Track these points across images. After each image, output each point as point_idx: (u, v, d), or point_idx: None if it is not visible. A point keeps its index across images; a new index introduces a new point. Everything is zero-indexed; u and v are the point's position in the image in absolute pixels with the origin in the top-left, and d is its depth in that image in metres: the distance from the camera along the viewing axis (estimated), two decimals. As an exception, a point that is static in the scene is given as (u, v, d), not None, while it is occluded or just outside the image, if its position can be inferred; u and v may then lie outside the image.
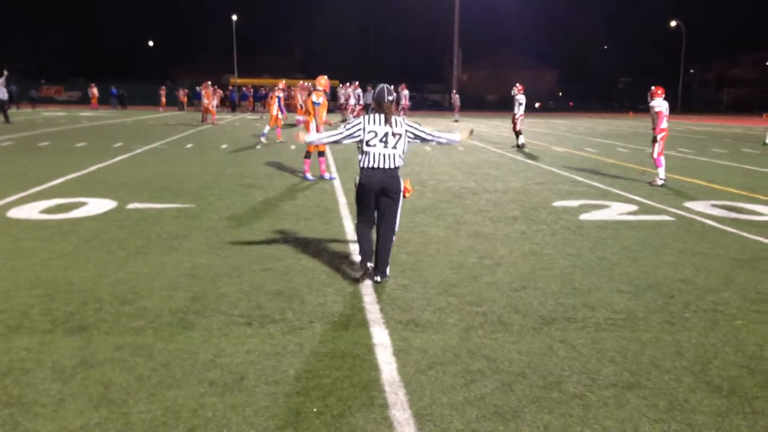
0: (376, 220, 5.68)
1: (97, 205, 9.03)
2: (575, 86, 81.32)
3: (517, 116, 20.02)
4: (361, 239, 5.70)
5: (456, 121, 38.82)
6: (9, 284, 5.52)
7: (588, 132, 30.74)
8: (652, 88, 12.30)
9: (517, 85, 20.54)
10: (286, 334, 4.54)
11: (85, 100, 56.47)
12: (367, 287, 5.58)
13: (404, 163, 5.68)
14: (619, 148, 20.79)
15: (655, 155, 12.18)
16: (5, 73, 27.83)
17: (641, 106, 76.90)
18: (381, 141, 5.46)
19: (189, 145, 19.14)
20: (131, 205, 9.10)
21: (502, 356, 4.21)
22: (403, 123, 5.58)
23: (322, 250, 6.82)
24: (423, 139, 5.71)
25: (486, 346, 4.37)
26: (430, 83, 78.98)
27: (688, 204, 10.03)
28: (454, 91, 48.11)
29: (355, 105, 34.38)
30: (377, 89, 5.62)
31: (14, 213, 8.43)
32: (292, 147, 18.97)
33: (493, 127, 32.67)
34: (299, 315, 4.91)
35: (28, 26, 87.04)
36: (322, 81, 12.22)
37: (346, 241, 7.24)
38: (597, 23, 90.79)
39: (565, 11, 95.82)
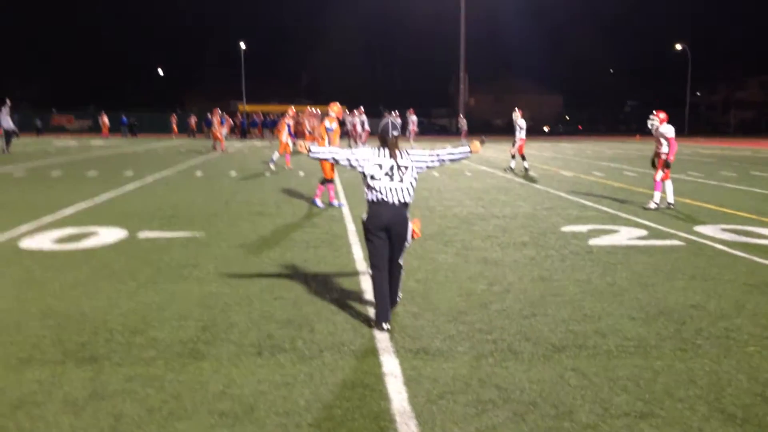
0: (387, 265, 5.39)
1: (108, 235, 9.08)
2: (582, 110, 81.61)
3: (517, 140, 20.18)
4: (377, 290, 5.31)
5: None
6: (21, 315, 5.54)
7: (595, 156, 30.76)
8: (658, 114, 12.36)
9: (517, 109, 20.86)
10: (297, 363, 4.54)
11: (95, 129, 57.04)
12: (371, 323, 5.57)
13: (413, 198, 5.49)
14: (627, 172, 20.78)
15: (659, 178, 12.18)
16: (8, 102, 28.24)
17: (647, 130, 76.91)
18: (386, 175, 5.28)
19: (198, 173, 19.27)
20: (142, 234, 9.15)
21: (513, 385, 4.20)
22: (408, 155, 5.42)
23: (332, 278, 6.83)
24: (433, 167, 5.59)
25: (497, 375, 4.36)
26: (437, 108, 79.42)
27: (698, 228, 10.00)
28: (461, 115, 48.31)
29: (361, 131, 34.55)
30: (381, 124, 5.46)
31: (26, 243, 8.49)
32: (301, 173, 19.06)
33: (500, 152, 32.73)
34: (309, 344, 4.91)
35: (39, 54, 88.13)
36: (335, 107, 12.30)
37: (355, 269, 7.25)
38: (602, 47, 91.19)
39: (570, 36, 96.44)
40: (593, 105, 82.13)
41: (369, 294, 6.23)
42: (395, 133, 5.38)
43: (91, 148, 34.36)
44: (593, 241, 8.88)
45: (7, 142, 28.01)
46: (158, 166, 21.84)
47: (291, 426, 3.64)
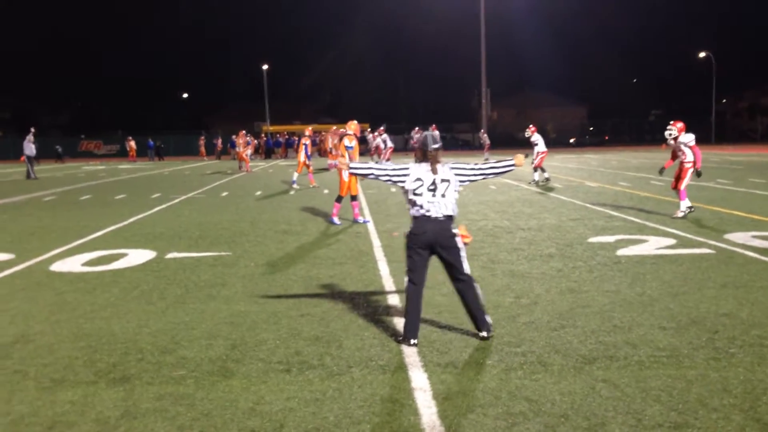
0: (424, 282, 5.32)
1: (136, 256, 9.19)
2: (607, 120, 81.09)
3: (536, 156, 20.35)
4: (410, 305, 5.25)
5: (486, 159, 38.90)
6: (53, 337, 5.62)
7: (621, 166, 30.49)
8: (676, 124, 12.34)
9: (531, 126, 21.09)
10: (325, 380, 4.54)
11: (122, 153, 57.90)
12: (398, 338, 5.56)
13: (456, 211, 5.37)
14: (653, 181, 20.58)
15: (683, 187, 12.10)
16: (32, 130, 28.97)
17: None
18: (429, 190, 5.16)
19: (224, 194, 19.45)
20: (170, 255, 9.24)
21: (544, 398, 4.16)
22: (449, 169, 5.30)
23: (358, 294, 6.84)
24: (475, 180, 5.47)
25: (527, 388, 4.32)
26: (459, 123, 79.44)
27: (729, 236, 9.86)
28: (483, 130, 48.37)
29: (385, 149, 34.65)
30: (421, 137, 5.32)
31: (57, 266, 8.62)
32: (326, 191, 19.15)
33: (524, 164, 32.64)
34: (337, 360, 4.91)
35: (67, 83, 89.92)
36: (352, 125, 12.42)
37: (381, 285, 7.25)
38: (625, 57, 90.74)
39: (592, 46, 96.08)
40: (617, 115, 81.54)
41: (396, 309, 6.24)
42: (435, 147, 5.25)
43: (119, 171, 34.88)
44: (621, 252, 8.79)
45: (32, 167, 28.63)
46: (184, 187, 22.09)
47: (321, 442, 3.64)
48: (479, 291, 5.38)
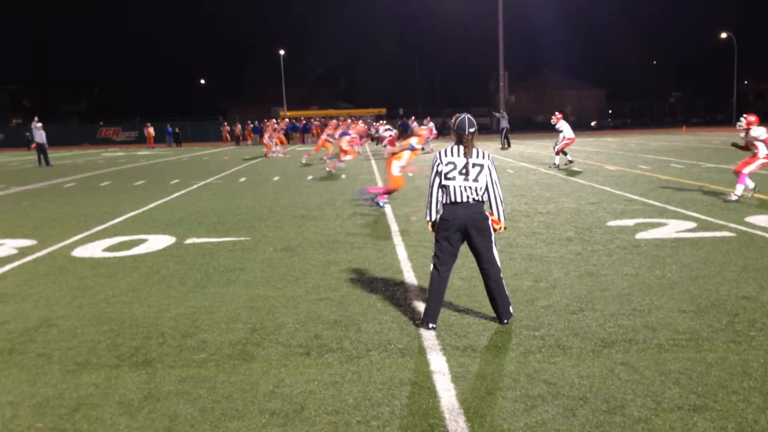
0: (450, 270, 5.26)
1: (156, 242, 9.28)
2: (627, 102, 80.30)
3: (561, 140, 20.30)
4: (432, 291, 5.21)
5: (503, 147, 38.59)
6: (76, 321, 5.70)
7: (640, 149, 30.22)
8: (748, 117, 12.08)
9: (556, 113, 21.01)
10: (344, 363, 4.58)
11: (141, 140, 58.26)
12: (422, 313, 5.58)
13: (485, 197, 5.18)
14: (674, 164, 20.39)
15: (746, 171, 11.80)
16: (36, 118, 29.43)
17: (694, 120, 75.67)
18: (461, 173, 5.06)
19: (242, 179, 19.53)
20: (189, 240, 9.32)
21: (563, 380, 4.16)
22: (486, 155, 5.17)
23: (377, 279, 6.87)
24: (490, 187, 5.17)
25: (545, 371, 4.33)
26: (477, 107, 79.06)
27: (750, 219, 9.76)
28: (495, 112, 48.03)
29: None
30: (458, 120, 5.17)
31: (79, 252, 8.73)
32: (343, 176, 19.17)
33: (542, 148, 32.43)
34: (356, 344, 4.95)
35: (86, 71, 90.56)
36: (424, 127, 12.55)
37: (400, 269, 7.27)
38: (644, 39, 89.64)
39: (611, 28, 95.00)
40: (637, 98, 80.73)
41: (415, 293, 6.25)
42: (471, 130, 5.11)
43: (137, 158, 35.12)
44: (640, 235, 8.74)
45: (44, 156, 28.86)
46: (203, 173, 22.21)
47: (341, 424, 3.67)
48: (506, 289, 5.33)
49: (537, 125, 71.30)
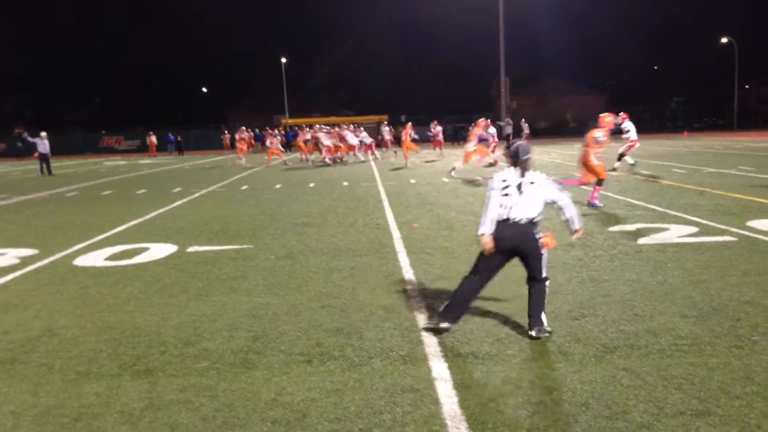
0: (485, 283, 5.27)
1: (158, 250, 9.29)
2: (627, 108, 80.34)
3: (625, 144, 20.01)
4: (459, 291, 5.25)
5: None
6: (78, 330, 5.71)
7: (642, 153, 30.17)
8: None
9: (622, 114, 20.20)
10: (346, 370, 4.57)
11: (143, 149, 58.35)
12: (424, 321, 5.58)
13: (541, 216, 5.16)
14: (675, 169, 20.37)
15: None
16: (43, 133, 29.76)
17: (696, 125, 75.62)
18: (516, 189, 5.06)
19: (244, 187, 19.55)
20: (191, 249, 9.33)
21: (565, 387, 4.16)
22: (542, 177, 5.17)
23: (379, 286, 6.86)
24: (556, 203, 5.19)
25: (547, 377, 4.32)
26: (479, 113, 79.10)
27: (751, 223, 9.75)
28: (501, 122, 48.13)
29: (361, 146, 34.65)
30: (512, 149, 5.17)
31: (80, 261, 8.74)
32: (345, 183, 19.18)
33: (544, 154, 32.42)
34: (358, 351, 4.94)
35: (89, 80, 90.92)
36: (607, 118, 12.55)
37: (402, 276, 7.27)
38: (645, 44, 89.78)
39: (612, 33, 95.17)
40: (638, 103, 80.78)
41: (416, 300, 6.25)
42: (525, 157, 5.12)
43: (139, 166, 35.19)
44: (642, 240, 8.73)
45: (47, 165, 29.10)
46: (205, 181, 22.23)
47: (342, 432, 3.67)
48: (545, 302, 5.26)
49: (538, 131, 71.27)
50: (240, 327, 5.63)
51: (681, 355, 4.61)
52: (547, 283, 5.26)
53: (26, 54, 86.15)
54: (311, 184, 19.54)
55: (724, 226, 9.56)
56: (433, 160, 29.30)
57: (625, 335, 5.06)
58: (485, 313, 5.72)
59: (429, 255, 8.29)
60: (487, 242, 5.11)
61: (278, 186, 19.49)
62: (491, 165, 23.72)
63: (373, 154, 33.04)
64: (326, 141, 30.20)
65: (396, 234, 10.04)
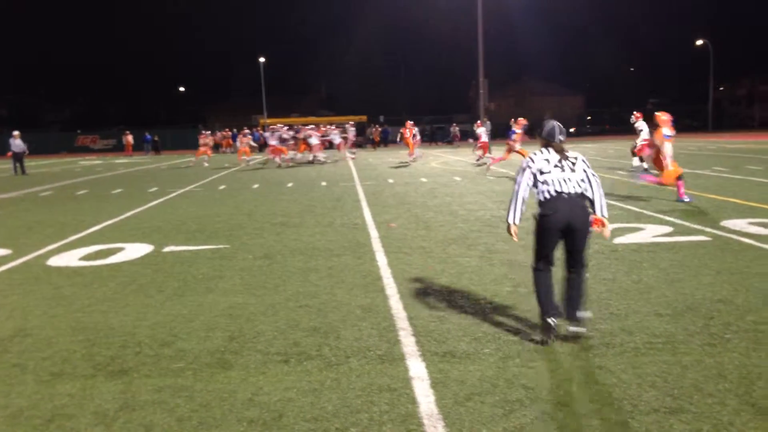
0: (553, 263, 5.09)
1: (134, 250, 9.20)
2: (605, 109, 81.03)
3: (639, 143, 19.88)
4: (542, 289, 5.05)
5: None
6: (51, 331, 5.64)
7: (618, 155, 30.50)
8: None
9: (635, 113, 20.13)
10: (323, 370, 4.56)
11: (119, 148, 57.80)
12: (401, 320, 5.58)
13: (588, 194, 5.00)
14: (651, 170, 20.55)
15: None
16: (16, 132, 29.49)
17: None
18: (556, 167, 4.91)
19: (222, 187, 19.44)
20: (167, 248, 9.25)
21: (541, 385, 4.18)
22: (580, 155, 5.05)
23: (356, 285, 6.86)
24: (590, 179, 5.01)
25: (524, 375, 4.34)
26: (458, 114, 79.34)
27: (725, 223, 9.87)
28: (484, 119, 48.37)
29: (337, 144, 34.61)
30: (547, 127, 5.03)
31: (54, 261, 8.63)
32: (323, 183, 19.14)
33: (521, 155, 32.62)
34: (335, 351, 4.93)
35: (69, 80, 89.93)
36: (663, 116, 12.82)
37: (379, 276, 7.27)
38: (622, 45, 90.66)
39: (590, 35, 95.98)
40: (615, 104, 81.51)
41: (394, 299, 6.24)
42: (561, 138, 5.01)
43: (115, 166, 34.85)
44: (618, 240, 8.81)
45: (20, 164, 28.83)
46: (182, 181, 22.07)
47: (320, 431, 3.66)
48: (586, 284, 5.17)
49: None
50: (216, 327, 5.59)
51: (655, 353, 4.66)
52: (586, 273, 5.09)
53: (3, 52, 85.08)
54: (289, 184, 19.48)
55: (698, 226, 9.67)
56: (407, 162, 29.32)
57: (601, 333, 5.10)
58: (462, 312, 5.74)
59: (407, 255, 8.30)
60: (515, 232, 5.11)
61: (256, 186, 19.40)
62: (481, 164, 23.93)
63: (346, 151, 33.19)
64: (314, 140, 30.30)
65: (374, 234, 10.04)
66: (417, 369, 4.52)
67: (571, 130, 72.92)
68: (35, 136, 54.85)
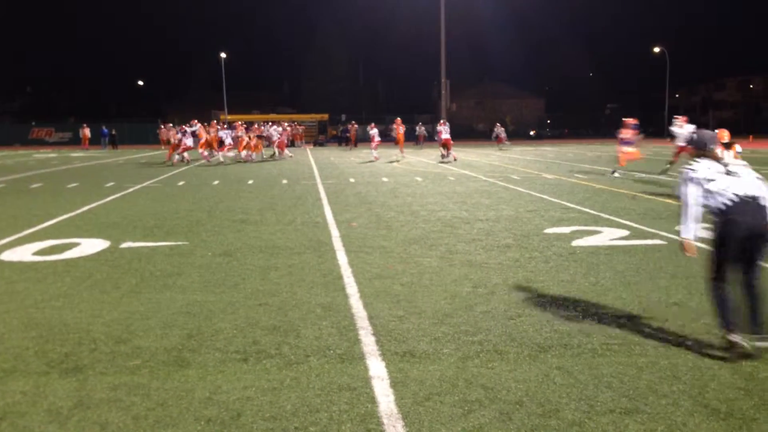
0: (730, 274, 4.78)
1: (90, 245, 9.02)
2: (565, 113, 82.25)
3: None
4: (725, 303, 4.71)
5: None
6: (3, 327, 5.49)
7: (577, 158, 30.97)
8: None
9: (678, 117, 19.17)
10: (283, 369, 4.53)
11: (75, 141, 56.64)
12: (362, 319, 5.58)
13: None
14: (609, 174, 20.92)
15: None
16: None
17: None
18: (724, 174, 4.71)
19: (181, 183, 19.18)
20: (124, 244, 9.09)
21: (500, 385, 4.21)
22: (740, 161, 4.84)
23: (317, 284, 6.83)
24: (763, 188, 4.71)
25: (483, 376, 4.37)
26: (421, 114, 79.69)
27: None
28: (499, 124, 49.15)
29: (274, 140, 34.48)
30: (698, 136, 4.91)
31: (7, 255, 8.41)
32: (284, 181, 19.02)
33: (482, 156, 32.90)
34: (295, 349, 4.90)
35: (20, 70, 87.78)
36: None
37: (340, 275, 7.25)
38: (581, 51, 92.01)
39: (550, 41, 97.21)
40: (575, 108, 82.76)
41: (354, 298, 6.23)
42: (712, 147, 4.85)
43: (71, 159, 34.12)
44: (576, 242, 8.94)
45: None
46: (140, 176, 21.72)
47: (278, 431, 3.63)
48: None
49: (477, 133, 72.28)
50: (174, 324, 5.51)
51: (612, 355, 4.73)
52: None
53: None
54: (250, 181, 19.31)
55: (653, 230, 9.86)
56: (371, 161, 29.33)
57: (559, 335, 5.17)
58: (421, 313, 5.76)
59: (367, 254, 8.30)
60: (691, 247, 4.93)
61: (216, 182, 19.19)
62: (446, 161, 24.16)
63: (281, 150, 33.31)
64: (275, 136, 30.22)
65: (335, 233, 10.01)
66: (377, 368, 4.51)
67: (531, 132, 73.85)
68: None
